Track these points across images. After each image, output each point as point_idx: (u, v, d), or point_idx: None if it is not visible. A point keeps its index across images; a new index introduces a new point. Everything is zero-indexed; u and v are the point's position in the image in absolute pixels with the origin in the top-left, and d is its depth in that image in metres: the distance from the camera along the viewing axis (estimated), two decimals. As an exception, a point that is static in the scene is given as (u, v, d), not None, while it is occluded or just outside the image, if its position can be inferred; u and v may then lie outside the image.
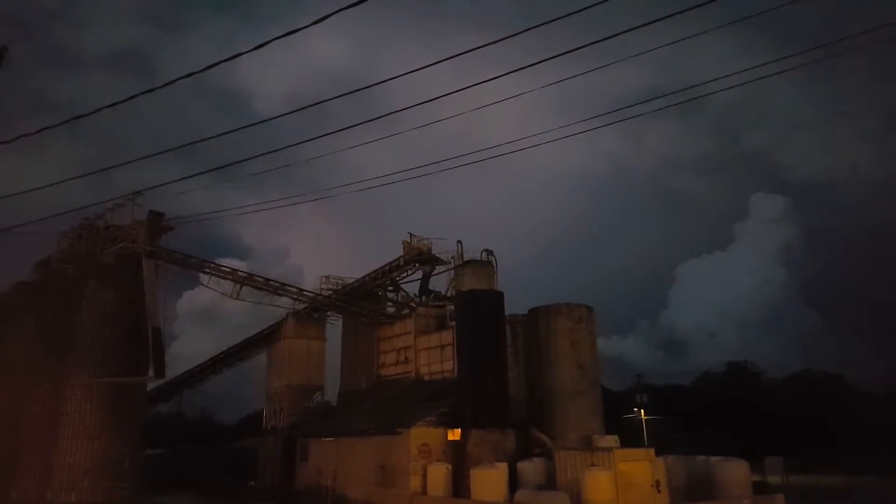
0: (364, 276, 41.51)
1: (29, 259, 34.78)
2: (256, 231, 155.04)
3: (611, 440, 30.19)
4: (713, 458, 26.21)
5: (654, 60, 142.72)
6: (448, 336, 34.79)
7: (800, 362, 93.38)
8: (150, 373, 30.02)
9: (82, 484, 28.88)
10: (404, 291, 42.26)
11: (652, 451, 24.77)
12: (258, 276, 37.75)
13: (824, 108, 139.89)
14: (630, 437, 36.75)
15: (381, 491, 29.42)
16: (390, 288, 42.25)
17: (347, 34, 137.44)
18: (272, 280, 38.22)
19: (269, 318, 43.97)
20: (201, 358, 48.03)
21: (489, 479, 25.02)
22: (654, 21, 10.37)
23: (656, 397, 52.38)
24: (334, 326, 43.71)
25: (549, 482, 25.04)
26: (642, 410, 46.03)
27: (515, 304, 33.40)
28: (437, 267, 39.54)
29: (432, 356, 36.04)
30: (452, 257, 37.07)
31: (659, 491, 23.10)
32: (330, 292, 41.12)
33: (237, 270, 37.40)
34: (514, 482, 25.42)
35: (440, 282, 39.78)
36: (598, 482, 22.27)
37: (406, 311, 40.80)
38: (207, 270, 35.94)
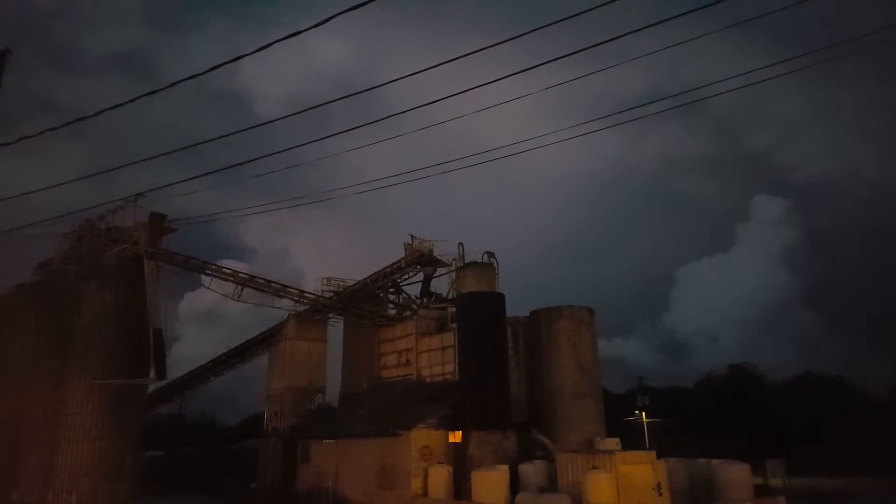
0: (365, 278, 41.49)
1: (30, 261, 34.82)
2: (258, 233, 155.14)
3: (612, 443, 30.16)
4: (715, 461, 26.18)
5: (655, 62, 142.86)
6: (449, 338, 34.77)
7: (801, 364, 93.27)
8: (152, 374, 30.02)
9: (83, 485, 28.85)
10: (405, 293, 42.30)
11: (653, 453, 24.75)
12: (259, 278, 37.79)
13: (826, 110, 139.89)
14: (631, 440, 36.70)
15: (382, 493, 29.39)
16: (391, 290, 42.26)
17: (349, 36, 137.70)
18: (273, 282, 38.24)
19: (271, 320, 43.99)
20: (202, 359, 47.97)
21: (490, 482, 25.02)
22: (655, 24, 10.37)
23: (657, 400, 52.36)
24: (335, 328, 43.73)
25: (551, 484, 25.03)
26: (643, 413, 45.99)
27: (517, 306, 33.48)
28: (438, 269, 39.55)
29: (433, 358, 36.02)
30: (454, 259, 37.13)
31: (660, 494, 23.06)
32: (331, 294, 41.10)
33: (238, 272, 37.42)
34: (515, 484, 25.40)
35: (441, 284, 39.85)
36: (599, 485, 22.26)
37: (407, 312, 40.81)
38: (209, 272, 35.96)
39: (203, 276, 36.21)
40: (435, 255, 39.02)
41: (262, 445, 41.90)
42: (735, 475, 25.24)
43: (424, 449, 28.37)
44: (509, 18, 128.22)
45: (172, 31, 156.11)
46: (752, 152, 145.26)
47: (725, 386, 61.98)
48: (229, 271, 36.93)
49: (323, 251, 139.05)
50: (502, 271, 32.84)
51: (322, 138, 13.70)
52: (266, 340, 44.61)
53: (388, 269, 40.42)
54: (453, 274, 36.94)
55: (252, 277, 37.41)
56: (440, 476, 27.15)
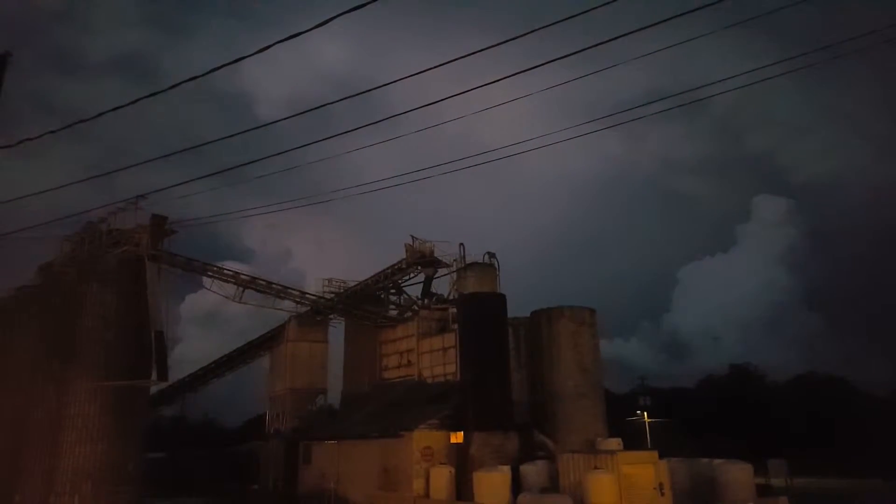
0: (366, 279, 41.51)
1: (32, 263, 34.82)
2: (259, 234, 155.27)
3: (614, 443, 30.12)
4: (716, 461, 26.17)
5: (655, 62, 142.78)
6: (450, 339, 34.77)
7: (803, 364, 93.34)
8: (153, 376, 30.01)
9: (85, 488, 28.84)
10: (407, 294, 42.31)
11: (655, 453, 24.76)
12: (261, 280, 37.80)
13: (827, 110, 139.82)
14: (633, 440, 36.68)
15: (383, 494, 29.38)
16: (393, 291, 42.27)
17: (350, 37, 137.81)
18: (275, 283, 38.26)
19: (272, 322, 44.03)
20: (204, 361, 48.02)
21: (492, 482, 25.00)
22: (656, 24, 10.38)
23: (659, 400, 52.39)
24: (337, 329, 43.76)
25: (553, 485, 25.00)
26: (645, 413, 45.98)
27: (518, 307, 33.45)
28: (439, 270, 39.54)
29: (435, 359, 36.02)
30: (455, 260, 37.15)
31: (662, 494, 23.07)
32: (332, 295, 41.11)
33: (240, 274, 37.42)
34: (516, 485, 25.37)
35: (442, 284, 39.85)
36: (601, 485, 22.25)
37: (408, 313, 40.81)
38: (210, 274, 35.98)
39: (204, 278, 36.25)
40: (436, 255, 39.01)
41: (264, 447, 41.93)
42: (737, 475, 25.23)
43: (426, 450, 28.37)
44: (509, 19, 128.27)
45: (173, 34, 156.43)
46: (753, 152, 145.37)
47: (727, 386, 62.02)
48: (230, 273, 36.96)
49: (324, 252, 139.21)
50: (503, 272, 32.89)
51: (323, 139, 13.72)
52: (267, 342, 44.65)
53: (389, 270, 40.43)
54: (454, 275, 36.96)
55: (253, 279, 37.43)
56: (442, 477, 27.15)
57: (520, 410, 30.93)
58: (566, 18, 9.73)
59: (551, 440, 29.90)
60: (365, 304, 41.12)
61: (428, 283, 40.25)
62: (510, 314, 32.02)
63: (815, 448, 44.58)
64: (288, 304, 39.82)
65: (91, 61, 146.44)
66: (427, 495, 27.45)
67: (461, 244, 36.58)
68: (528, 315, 34.59)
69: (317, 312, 41.70)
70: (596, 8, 9.51)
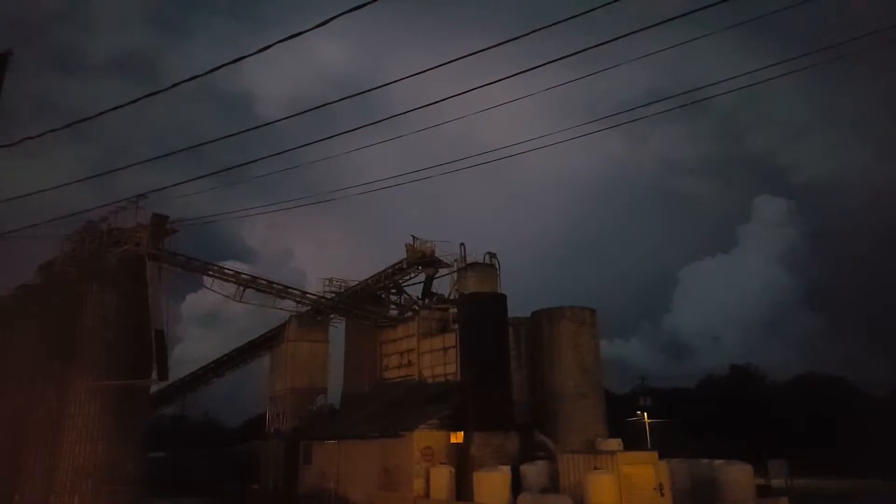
0: (367, 279, 41.50)
1: (32, 262, 34.82)
2: (260, 234, 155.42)
3: (614, 443, 30.11)
4: (717, 462, 26.14)
5: (657, 63, 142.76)
6: (451, 339, 34.77)
7: (803, 365, 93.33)
8: (154, 376, 30.03)
9: (85, 487, 28.83)
10: (407, 294, 42.31)
11: (655, 454, 24.71)
12: (261, 279, 37.80)
13: (827, 110, 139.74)
14: (633, 441, 36.67)
15: (384, 494, 29.39)
16: (393, 290, 42.27)
17: (350, 37, 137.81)
18: (275, 283, 38.25)
19: (273, 321, 44.02)
20: (204, 361, 48.00)
21: (492, 482, 24.99)
22: (657, 24, 10.36)
23: (659, 400, 52.35)
24: (337, 329, 43.75)
25: (553, 485, 24.98)
26: (645, 413, 45.95)
27: (518, 307, 33.42)
28: (440, 270, 39.51)
29: (435, 359, 36.02)
30: (455, 260, 37.09)
31: (662, 494, 23.04)
32: (333, 295, 41.12)
33: (240, 273, 37.41)
34: (517, 485, 25.36)
35: (443, 284, 39.82)
36: (601, 485, 22.23)
37: (409, 313, 40.80)
38: (211, 273, 35.97)
39: (205, 278, 36.25)
40: (436, 255, 38.98)
41: (264, 447, 41.92)
42: (737, 476, 25.19)
43: (426, 450, 28.36)
44: (510, 19, 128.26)
45: (174, 33, 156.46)
46: (754, 153, 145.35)
47: (727, 386, 62.00)
48: (231, 272, 36.95)
49: (324, 252, 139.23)
50: (504, 272, 32.84)
51: (323, 139, 13.72)
52: (268, 342, 44.64)
53: (390, 270, 40.42)
54: (455, 275, 36.92)
55: (254, 278, 37.43)
56: (442, 477, 27.14)
57: (520, 410, 30.90)
58: (567, 19, 9.72)
59: (551, 440, 29.88)
60: (365, 304, 41.11)
61: (428, 283, 40.25)
62: (511, 314, 32.00)
63: (816, 448, 44.58)
64: (288, 304, 39.88)
65: (91, 61, 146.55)
66: (427, 495, 27.45)
67: (462, 244, 36.55)
68: (528, 315, 34.57)
69: (317, 312, 41.70)
70: (597, 8, 9.50)
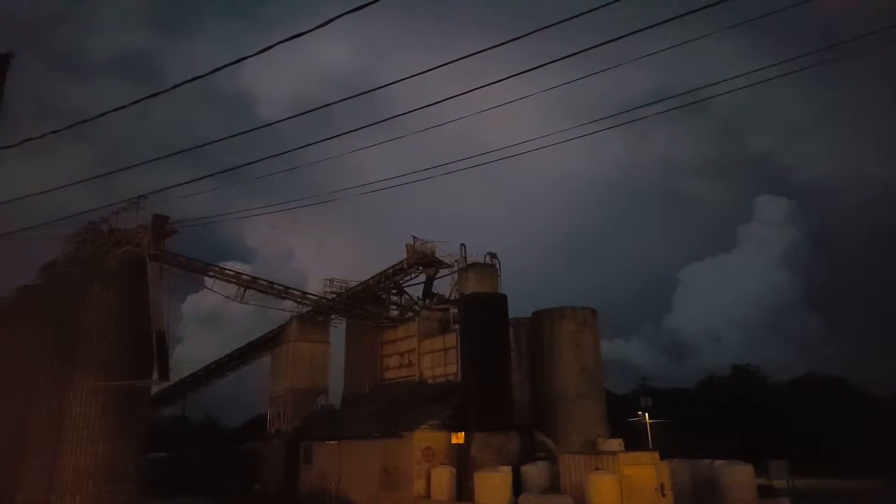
0: (368, 280, 41.52)
1: (34, 263, 34.88)
2: (260, 234, 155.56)
3: (615, 444, 30.08)
4: (718, 462, 26.14)
5: (658, 63, 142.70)
6: (452, 339, 34.76)
7: (804, 365, 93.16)
8: (155, 376, 30.08)
9: (86, 487, 28.87)
10: (408, 294, 42.33)
11: (656, 454, 24.73)
12: (262, 280, 37.83)
13: (828, 111, 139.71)
14: (634, 441, 36.62)
15: (384, 494, 29.39)
16: (394, 291, 42.28)
17: (351, 38, 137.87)
18: (276, 283, 38.28)
19: (273, 322, 44.09)
20: (205, 361, 48.15)
21: (493, 483, 24.99)
22: (658, 24, 10.37)
23: (660, 400, 52.20)
24: (338, 330, 43.78)
25: (553, 486, 25.00)
26: (646, 414, 45.90)
27: (519, 308, 33.40)
28: (440, 270, 39.55)
29: (436, 359, 36.02)
30: (456, 260, 37.10)
31: (663, 495, 23.05)
32: (333, 295, 41.13)
33: (241, 274, 37.44)
34: (517, 486, 25.36)
35: (444, 285, 39.85)
36: (602, 486, 22.24)
37: (410, 314, 40.82)
38: (212, 274, 36.01)
39: (206, 278, 36.31)
40: (437, 256, 39.02)
41: (265, 447, 41.95)
42: (738, 476, 25.20)
43: (427, 450, 28.37)
44: (511, 19, 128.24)
45: (175, 34, 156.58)
46: (755, 153, 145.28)
47: (728, 387, 61.91)
48: (232, 273, 36.99)
49: (325, 253, 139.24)
50: (505, 272, 32.82)
51: (324, 140, 13.73)
52: (269, 342, 44.68)
53: (391, 271, 40.44)
54: (455, 275, 36.92)
55: (255, 279, 37.46)
56: (443, 477, 27.15)
57: (521, 411, 30.89)
58: (568, 19, 9.73)
59: (552, 440, 29.87)
60: (366, 305, 41.12)
61: (429, 283, 40.26)
62: (511, 314, 31.98)
63: (817, 449, 44.53)
64: (289, 305, 39.94)
65: (92, 62, 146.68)
66: (428, 496, 27.45)
67: (462, 244, 36.58)
68: (529, 315, 34.57)
69: (318, 313, 41.73)
70: (597, 8, 9.51)
